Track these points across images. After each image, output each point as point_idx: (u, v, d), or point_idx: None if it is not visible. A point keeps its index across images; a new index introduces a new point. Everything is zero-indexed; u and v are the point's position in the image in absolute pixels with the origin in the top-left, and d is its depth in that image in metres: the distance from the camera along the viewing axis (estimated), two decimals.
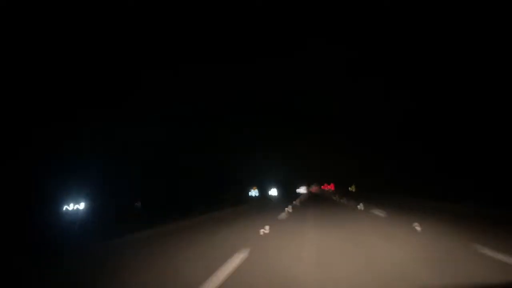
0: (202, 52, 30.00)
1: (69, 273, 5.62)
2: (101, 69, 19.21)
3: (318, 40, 32.00)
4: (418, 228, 8.39)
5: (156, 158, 23.36)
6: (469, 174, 22.23)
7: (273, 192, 56.59)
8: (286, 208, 18.63)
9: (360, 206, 18.60)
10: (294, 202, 26.97)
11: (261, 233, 8.63)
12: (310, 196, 51.45)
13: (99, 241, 9.03)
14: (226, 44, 31.74)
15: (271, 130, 52.97)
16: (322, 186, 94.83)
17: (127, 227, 10.74)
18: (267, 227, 9.52)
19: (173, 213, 15.80)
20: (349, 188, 65.35)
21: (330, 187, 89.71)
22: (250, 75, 37.82)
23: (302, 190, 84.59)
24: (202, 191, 26.66)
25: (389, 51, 28.99)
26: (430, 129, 28.10)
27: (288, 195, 51.01)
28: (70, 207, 19.76)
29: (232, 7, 26.13)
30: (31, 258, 6.86)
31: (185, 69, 28.17)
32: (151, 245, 8.06)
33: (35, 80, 15.90)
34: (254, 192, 49.97)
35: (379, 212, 14.25)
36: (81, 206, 20.13)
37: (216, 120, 33.99)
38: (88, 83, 18.46)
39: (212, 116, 33.40)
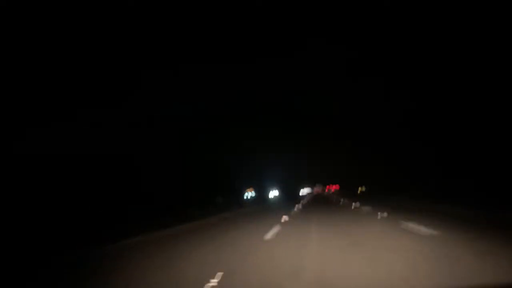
0: (202, 52, 30.00)
1: None
2: (100, 68, 19.20)
3: (318, 40, 31.99)
4: None
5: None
6: (471, 174, 22.22)
7: (274, 194, 54.73)
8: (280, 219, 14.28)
9: (406, 225, 9.93)
10: (294, 207, 23.37)
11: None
12: (314, 199, 47.26)
13: None
14: (226, 44, 31.74)
15: (271, 130, 52.95)
16: (326, 188, 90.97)
17: None
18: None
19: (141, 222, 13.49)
20: (359, 189, 56.76)
21: (335, 188, 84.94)
22: (250, 75, 37.85)
23: (305, 191, 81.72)
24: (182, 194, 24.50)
25: (389, 51, 28.96)
26: (430, 129, 28.10)
27: (289, 197, 49.26)
28: None
29: (232, 7, 26.13)
30: None
31: (185, 69, 28.18)
32: None
33: (34, 80, 15.89)
34: (250, 194, 46.65)
35: None
36: None
37: (216, 120, 34.00)
38: (87, 83, 18.45)
39: (212, 116, 33.42)
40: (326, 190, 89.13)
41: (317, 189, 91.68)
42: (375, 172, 46.89)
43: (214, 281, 5.26)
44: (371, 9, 26.12)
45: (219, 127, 34.75)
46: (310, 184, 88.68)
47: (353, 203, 23.44)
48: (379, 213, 14.67)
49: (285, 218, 15.93)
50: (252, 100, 44.17)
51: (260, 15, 29.05)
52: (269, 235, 10.31)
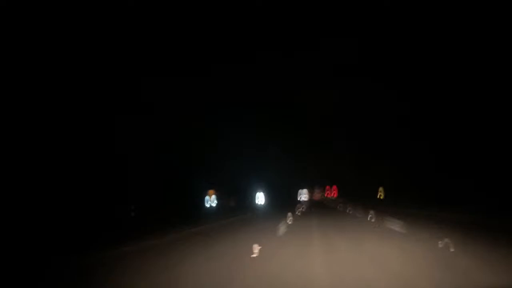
0: (202, 52, 29.99)
1: None
2: (99, 69, 19.18)
3: (318, 40, 32.02)
4: None
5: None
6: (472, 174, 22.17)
7: (260, 199, 49.00)
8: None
9: None
10: (286, 219, 16.32)
11: None
12: (313, 207, 39.41)
13: None
14: (226, 44, 31.75)
15: (271, 130, 52.68)
16: (326, 191, 76.02)
17: None
18: None
19: None
20: (379, 193, 47.25)
21: (334, 192, 75.30)
22: (250, 75, 37.76)
23: (302, 197, 70.52)
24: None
25: (389, 51, 28.95)
26: (430, 130, 28.07)
27: (281, 203, 42.48)
28: None
29: (232, 7, 26.15)
30: None
31: (185, 69, 28.22)
32: None
33: (33, 82, 15.86)
34: (211, 200, 36.34)
35: None
36: None
37: (217, 120, 33.92)
38: (86, 83, 18.43)
39: (212, 116, 33.38)
40: (325, 195, 76.37)
41: (317, 194, 77.19)
42: (376, 174, 46.68)
43: None
44: (370, 10, 26.13)
45: (220, 126, 34.57)
46: (307, 187, 78.01)
47: (369, 215, 17.17)
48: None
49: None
50: (252, 100, 44.02)
51: (260, 15, 29.07)
52: None
